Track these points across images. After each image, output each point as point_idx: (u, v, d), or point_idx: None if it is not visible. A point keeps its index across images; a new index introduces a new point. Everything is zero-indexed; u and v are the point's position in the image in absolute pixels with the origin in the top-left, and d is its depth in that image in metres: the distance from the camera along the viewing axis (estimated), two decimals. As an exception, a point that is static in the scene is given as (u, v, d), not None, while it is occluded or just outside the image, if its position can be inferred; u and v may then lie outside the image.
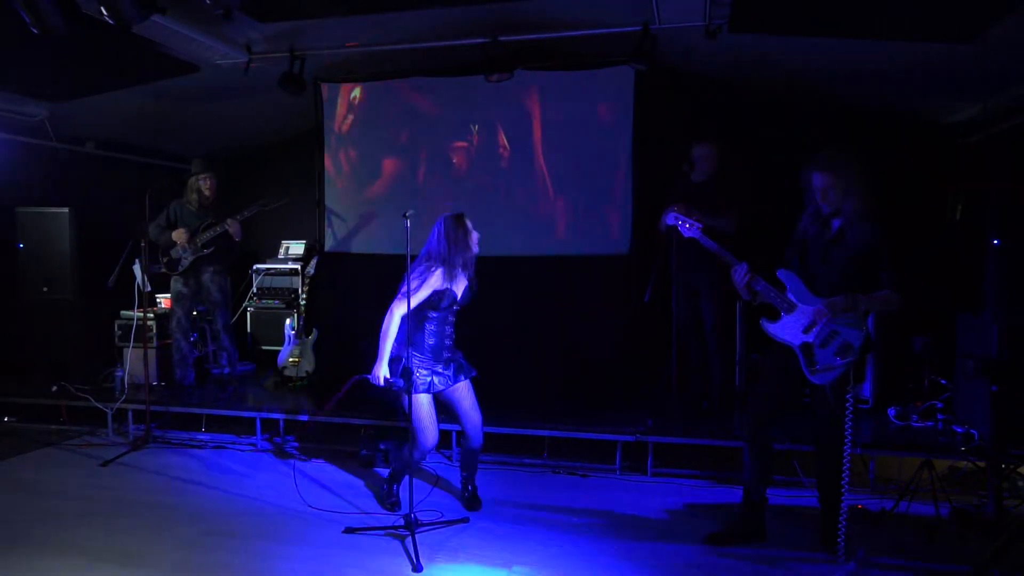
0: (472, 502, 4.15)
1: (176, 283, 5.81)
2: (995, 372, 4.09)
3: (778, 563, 3.46)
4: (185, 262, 5.71)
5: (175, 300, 5.86)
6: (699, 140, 5.10)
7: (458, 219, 3.89)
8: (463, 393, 3.98)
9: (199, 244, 5.68)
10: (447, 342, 3.96)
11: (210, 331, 6.15)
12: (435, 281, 3.80)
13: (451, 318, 3.97)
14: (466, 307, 4.01)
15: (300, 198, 6.67)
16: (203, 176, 5.73)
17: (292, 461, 4.66)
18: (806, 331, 3.43)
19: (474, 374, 4.04)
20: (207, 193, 5.76)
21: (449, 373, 3.94)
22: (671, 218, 4.03)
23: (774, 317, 3.54)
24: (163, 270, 5.81)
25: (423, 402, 3.86)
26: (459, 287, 3.90)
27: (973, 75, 4.52)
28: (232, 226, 5.63)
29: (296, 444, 5.22)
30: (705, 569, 3.41)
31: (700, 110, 5.85)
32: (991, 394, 4.06)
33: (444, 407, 4.02)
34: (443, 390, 3.93)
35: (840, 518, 3.40)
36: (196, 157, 5.92)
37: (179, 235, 5.66)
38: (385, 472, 4.60)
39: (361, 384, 3.94)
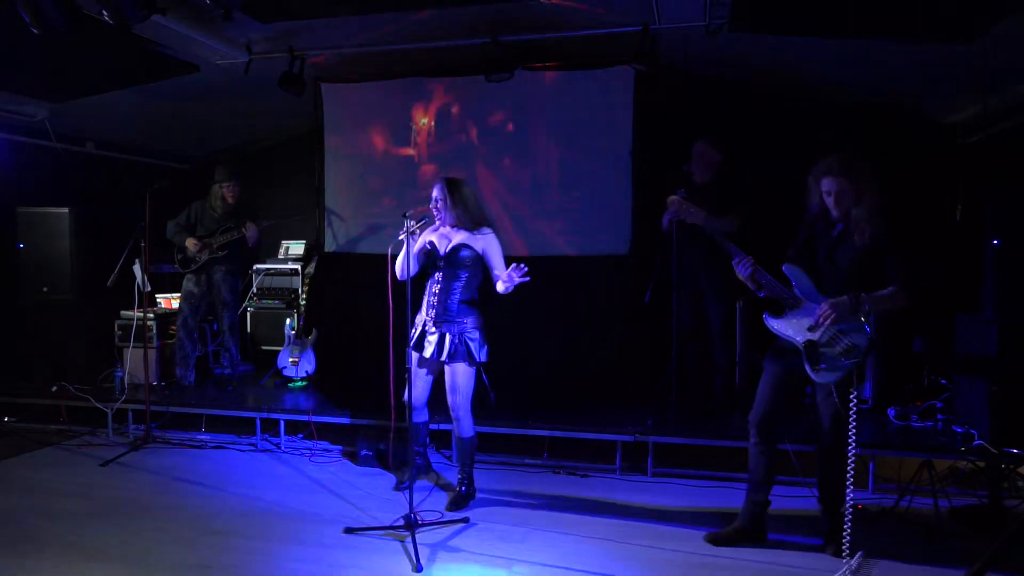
0: (453, 501, 4.07)
1: (188, 282, 5.89)
2: (995, 372, 4.09)
3: (778, 563, 3.46)
4: (200, 260, 5.80)
5: (184, 298, 5.90)
6: (699, 137, 5.09)
7: None
8: (449, 372, 4.01)
9: (215, 246, 5.78)
10: (431, 300, 4.01)
11: (210, 331, 6.16)
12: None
13: (436, 277, 4.02)
14: None
15: (300, 198, 6.67)
16: (227, 184, 5.82)
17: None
18: (811, 329, 3.38)
19: (459, 361, 3.96)
20: (230, 200, 5.85)
21: (434, 340, 3.97)
22: (672, 212, 4.02)
23: (777, 313, 3.50)
24: (176, 267, 5.89)
25: (413, 356, 4.04)
26: (439, 240, 4.04)
27: (973, 75, 4.52)
28: (249, 230, 5.73)
29: (297, 444, 5.23)
30: (705, 570, 3.41)
31: (700, 110, 5.85)
32: (991, 394, 4.06)
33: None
34: (423, 355, 3.99)
35: (843, 518, 3.39)
36: (218, 164, 5.97)
37: (192, 243, 5.77)
38: (384, 472, 4.61)
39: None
